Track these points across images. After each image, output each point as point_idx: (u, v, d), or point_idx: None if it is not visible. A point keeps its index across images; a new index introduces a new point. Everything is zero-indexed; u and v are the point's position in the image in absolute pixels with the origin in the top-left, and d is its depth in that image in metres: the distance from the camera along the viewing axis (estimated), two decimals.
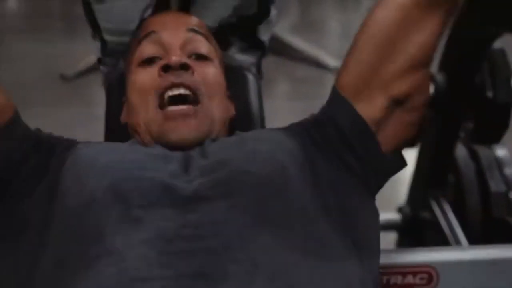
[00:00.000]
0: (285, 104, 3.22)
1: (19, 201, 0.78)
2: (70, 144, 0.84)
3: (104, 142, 0.86)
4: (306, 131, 0.85)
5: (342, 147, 0.82)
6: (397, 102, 0.82)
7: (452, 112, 1.45)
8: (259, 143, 0.83)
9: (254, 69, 1.19)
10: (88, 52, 1.15)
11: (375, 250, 0.83)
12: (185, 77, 0.86)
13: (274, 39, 1.20)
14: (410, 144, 0.88)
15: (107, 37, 1.13)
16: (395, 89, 0.81)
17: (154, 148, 0.83)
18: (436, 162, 1.56)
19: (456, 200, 1.56)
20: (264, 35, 1.17)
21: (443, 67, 1.40)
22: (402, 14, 0.81)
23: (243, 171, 0.77)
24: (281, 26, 3.66)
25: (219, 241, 0.70)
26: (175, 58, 0.86)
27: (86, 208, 0.73)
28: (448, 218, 1.50)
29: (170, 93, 0.85)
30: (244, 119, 1.09)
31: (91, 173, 0.76)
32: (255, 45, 1.18)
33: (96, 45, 1.16)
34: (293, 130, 0.86)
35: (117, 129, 0.99)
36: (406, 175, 1.61)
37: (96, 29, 1.13)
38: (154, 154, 0.81)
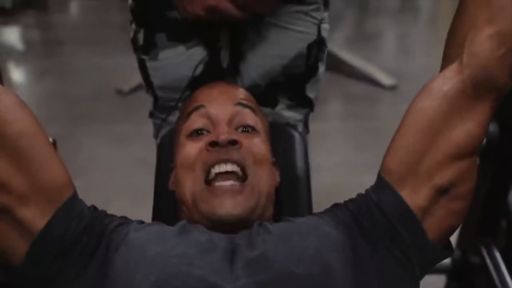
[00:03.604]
0: (337, 124, 3.14)
1: (70, 281, 0.79)
2: (121, 224, 0.85)
3: (154, 223, 0.87)
4: (353, 219, 0.84)
5: (388, 235, 0.81)
6: (441, 191, 0.80)
7: (504, 162, 1.43)
8: (305, 239, 0.81)
9: (301, 126, 1.20)
10: None
11: None
12: (232, 152, 0.87)
13: (327, 53, 1.20)
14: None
15: (159, 93, 1.17)
16: (438, 178, 0.79)
17: (201, 233, 0.83)
18: (488, 209, 1.53)
19: (508, 247, 1.53)
20: (312, 93, 1.18)
21: (495, 117, 1.38)
22: (447, 104, 0.79)
23: (288, 272, 0.75)
24: (335, 40, 3.59)
25: None
26: (223, 137, 0.88)
27: None
28: (499, 267, 1.47)
29: (218, 169, 0.87)
30: (289, 180, 1.10)
31: (140, 265, 0.77)
32: (302, 103, 1.19)
33: (149, 99, 1.20)
34: (341, 218, 0.84)
35: (166, 187, 1.02)
36: None
37: (149, 85, 1.17)
38: (200, 244, 0.80)
